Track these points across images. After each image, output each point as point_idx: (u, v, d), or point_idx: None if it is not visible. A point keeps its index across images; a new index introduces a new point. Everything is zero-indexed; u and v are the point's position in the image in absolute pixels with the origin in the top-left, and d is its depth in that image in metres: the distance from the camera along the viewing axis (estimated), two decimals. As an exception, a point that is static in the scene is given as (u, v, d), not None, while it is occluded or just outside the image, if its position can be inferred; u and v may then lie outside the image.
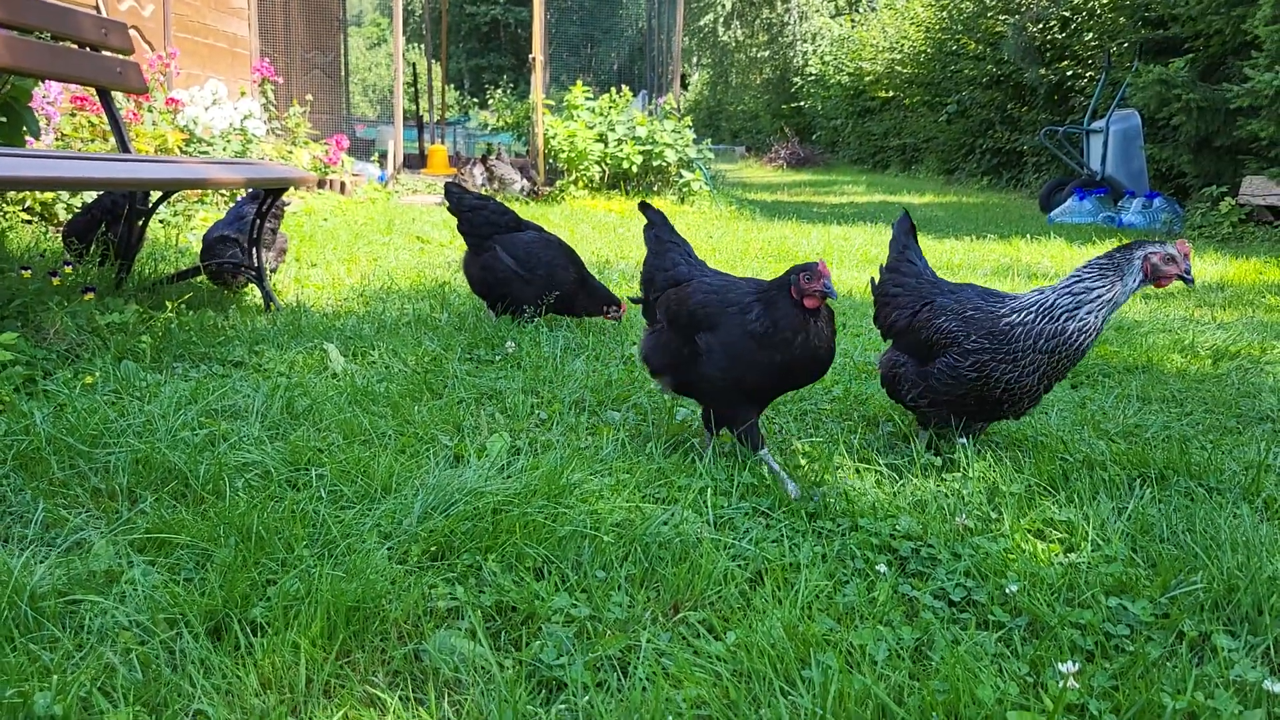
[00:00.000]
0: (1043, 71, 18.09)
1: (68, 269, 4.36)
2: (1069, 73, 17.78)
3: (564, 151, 12.67)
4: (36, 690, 1.64)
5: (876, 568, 2.29)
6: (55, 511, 2.45)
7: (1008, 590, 2.17)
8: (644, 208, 3.26)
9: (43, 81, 5.61)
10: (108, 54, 4.94)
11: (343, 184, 11.29)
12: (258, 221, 5.08)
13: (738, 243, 8.48)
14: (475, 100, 37.82)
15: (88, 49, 4.79)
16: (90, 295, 3.81)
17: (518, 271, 4.61)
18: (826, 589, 2.19)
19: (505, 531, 2.34)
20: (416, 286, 5.84)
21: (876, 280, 3.35)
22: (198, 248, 6.56)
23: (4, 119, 4.46)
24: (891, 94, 27.03)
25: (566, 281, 4.61)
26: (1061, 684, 1.71)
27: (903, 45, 26.21)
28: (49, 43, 4.49)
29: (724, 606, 2.13)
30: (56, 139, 6.89)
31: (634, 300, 3.16)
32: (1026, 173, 19.32)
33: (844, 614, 2.10)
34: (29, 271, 4.13)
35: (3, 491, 2.54)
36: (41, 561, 2.17)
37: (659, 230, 3.22)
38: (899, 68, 26.28)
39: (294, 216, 9.10)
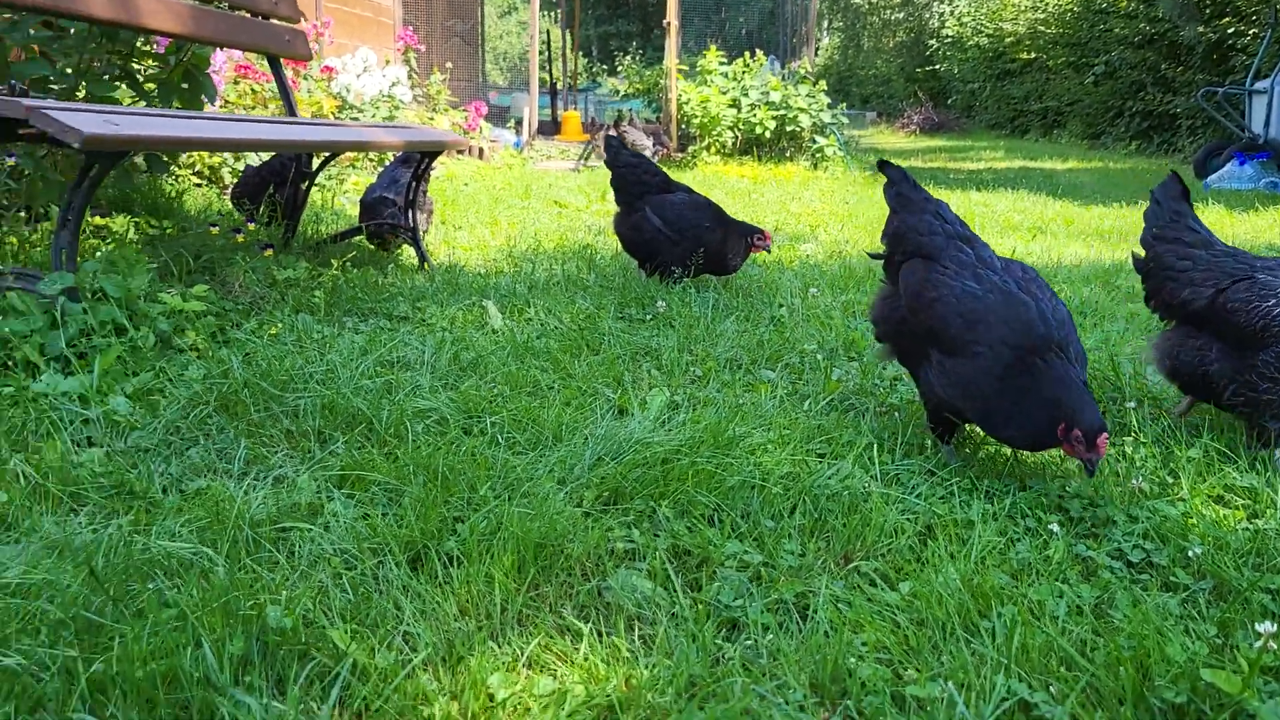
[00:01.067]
0: (1201, 29, 17.13)
1: (251, 226, 4.62)
2: (1230, 30, 16.78)
3: (696, 117, 12.65)
4: (268, 604, 1.79)
5: (1049, 527, 2.27)
6: (255, 449, 2.63)
7: (1190, 553, 2.13)
8: (883, 166, 2.93)
9: (213, 50, 5.90)
10: (277, 23, 5.17)
11: (481, 150, 11.55)
12: (413, 184, 5.26)
13: (874, 209, 8.36)
14: (604, 67, 37.97)
15: (260, 18, 5.03)
16: (269, 252, 4.03)
17: (666, 233, 4.66)
18: (999, 545, 2.19)
19: (675, 479, 2.41)
20: (561, 248, 5.97)
21: (1140, 254, 2.98)
22: (351, 211, 6.84)
23: (185, 85, 4.73)
24: (1034, 55, 25.98)
25: (714, 241, 4.64)
26: (1258, 644, 1.68)
27: (1047, 4, 25.14)
28: (226, 12, 4.74)
29: (895, 558, 2.15)
30: (221, 105, 7.26)
31: (873, 256, 3.02)
32: (1180, 137, 18.37)
33: (1019, 570, 2.10)
34: (216, 228, 4.40)
35: (208, 429, 2.74)
36: (254, 493, 2.34)
37: (901, 187, 2.85)
38: (1042, 28, 25.23)
39: (436, 181, 9.37)
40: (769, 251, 4.72)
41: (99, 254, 3.61)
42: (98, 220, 4.49)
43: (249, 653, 1.71)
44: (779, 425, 2.83)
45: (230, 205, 5.56)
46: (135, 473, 2.47)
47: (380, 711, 1.63)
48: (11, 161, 3.98)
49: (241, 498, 2.24)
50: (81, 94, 4.28)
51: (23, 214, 4.17)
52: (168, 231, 4.68)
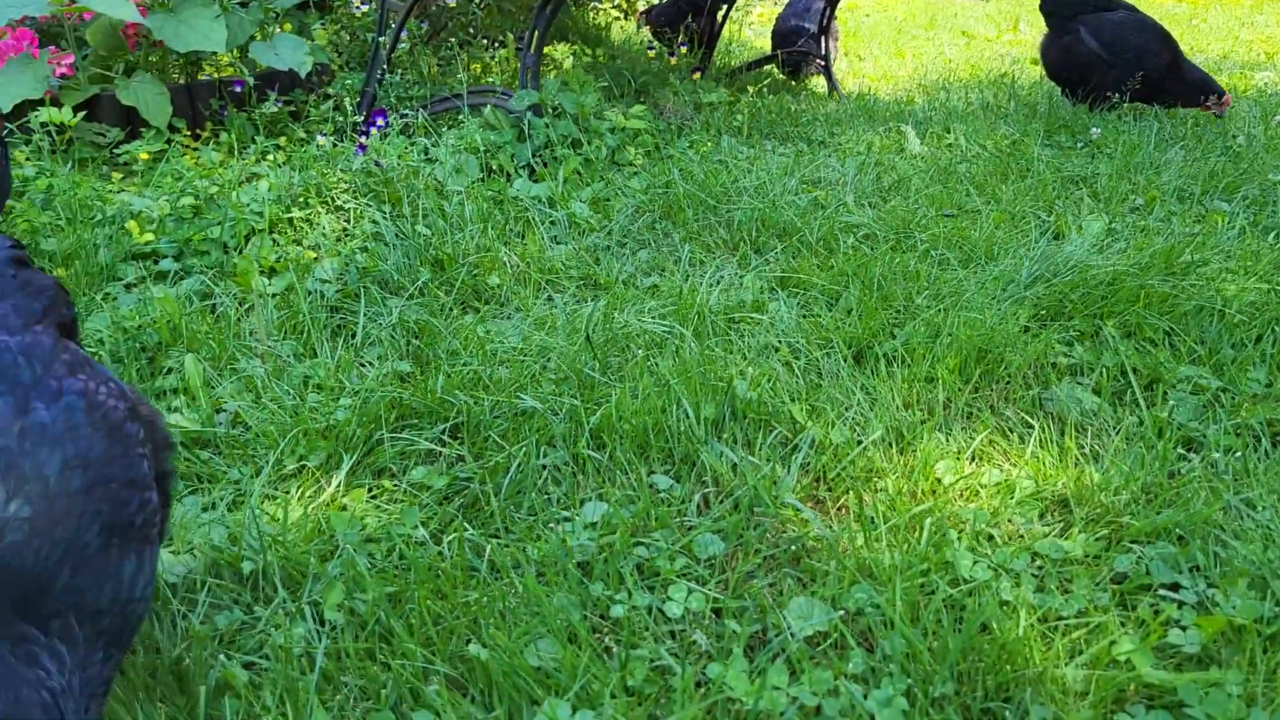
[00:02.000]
0: None
1: (683, 49, 4.84)
2: None
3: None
4: (735, 377, 1.99)
5: None
6: (697, 254, 2.86)
7: None
8: None
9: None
10: None
11: (881, -21, 11.07)
12: (827, 10, 5.21)
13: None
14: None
15: None
16: (698, 75, 4.22)
17: (1101, 55, 4.30)
18: None
19: (1122, 301, 2.33)
20: (975, 77, 5.69)
21: None
22: (756, 42, 6.90)
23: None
24: None
25: (1158, 67, 4.22)
26: None
27: None
28: None
29: (1385, 398, 1.96)
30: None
31: None
32: None
33: None
34: (653, 51, 4.66)
35: (654, 235, 3.00)
36: (702, 290, 2.56)
37: None
38: None
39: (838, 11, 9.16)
40: (1221, 117, 4.20)
41: (553, 75, 3.96)
42: (545, 48, 4.90)
43: (720, 417, 1.92)
44: (1241, 256, 2.61)
45: (649, 35, 5.82)
46: (599, 268, 2.78)
47: (838, 479, 1.79)
48: (481, -8, 4.44)
49: (701, 289, 2.46)
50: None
51: (484, 41, 4.65)
52: (599, 58, 5.02)
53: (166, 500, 1.33)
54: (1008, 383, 2.09)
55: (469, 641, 1.41)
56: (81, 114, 3.24)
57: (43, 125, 3.13)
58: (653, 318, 2.37)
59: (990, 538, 1.62)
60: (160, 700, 1.36)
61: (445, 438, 1.99)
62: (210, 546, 1.66)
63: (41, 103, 3.20)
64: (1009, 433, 1.92)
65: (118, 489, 1.14)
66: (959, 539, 1.59)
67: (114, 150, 3.34)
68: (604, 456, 1.86)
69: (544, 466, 1.85)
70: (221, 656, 1.45)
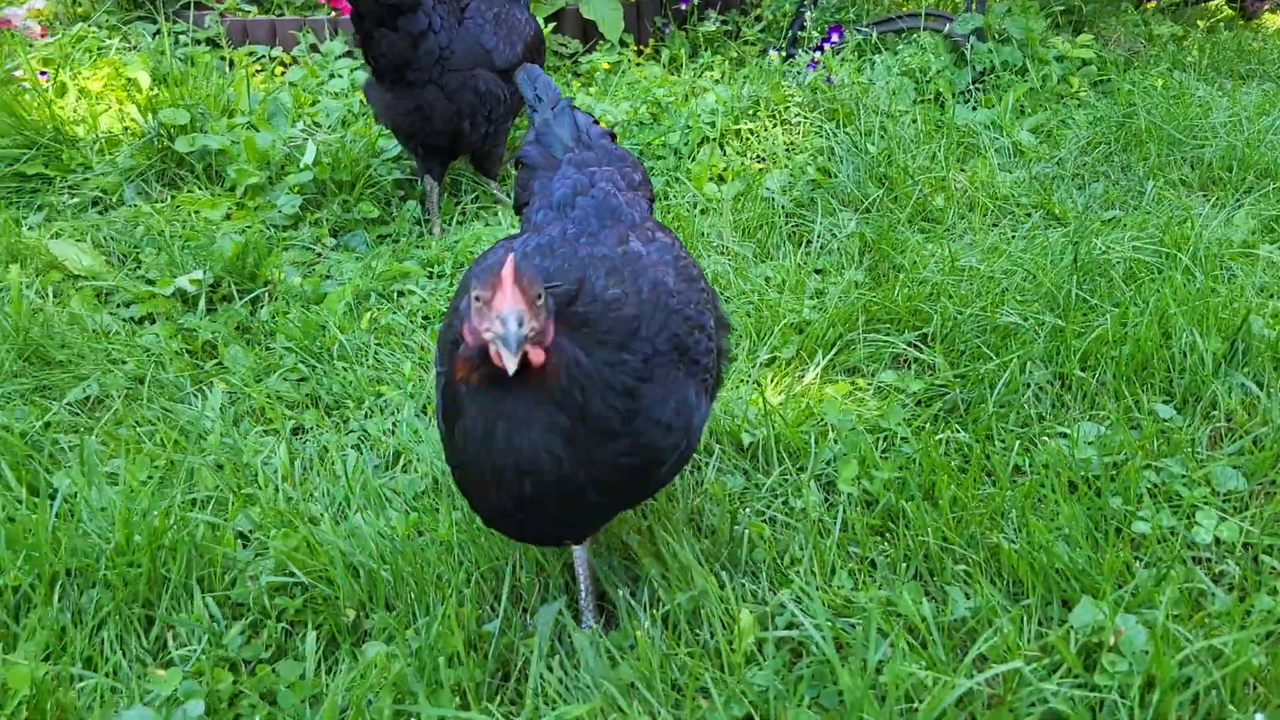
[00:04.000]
0: None
1: None
2: None
3: None
4: (1249, 313, 1.85)
5: None
6: (1161, 191, 2.66)
7: None
8: None
9: None
10: None
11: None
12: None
13: None
14: None
15: None
16: (1151, 4, 3.90)
17: None
18: None
19: None
20: None
21: None
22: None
23: None
24: None
25: None
26: None
27: None
28: None
29: None
30: None
31: None
32: None
33: None
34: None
35: (1112, 167, 2.83)
36: (1185, 224, 2.37)
37: None
38: None
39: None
40: None
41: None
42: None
43: (1230, 353, 1.80)
44: None
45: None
46: (1052, 198, 2.67)
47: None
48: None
49: (1197, 220, 2.30)
50: None
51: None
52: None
53: (719, 370, 1.44)
54: None
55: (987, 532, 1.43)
56: (551, 25, 3.52)
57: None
58: (1139, 246, 2.24)
59: None
60: (694, 538, 1.49)
61: (917, 343, 2.01)
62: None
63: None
64: None
65: (688, 324, 1.27)
66: None
67: (574, 60, 3.62)
68: (1093, 379, 1.80)
69: (1026, 384, 1.82)
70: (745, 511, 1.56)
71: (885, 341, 2.00)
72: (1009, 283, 2.16)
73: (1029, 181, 2.79)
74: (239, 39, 3.60)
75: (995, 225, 2.61)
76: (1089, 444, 1.62)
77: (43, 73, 3.01)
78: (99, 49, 3.27)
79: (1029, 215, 2.62)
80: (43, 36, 3.70)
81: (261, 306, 2.27)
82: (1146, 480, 1.53)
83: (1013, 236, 2.49)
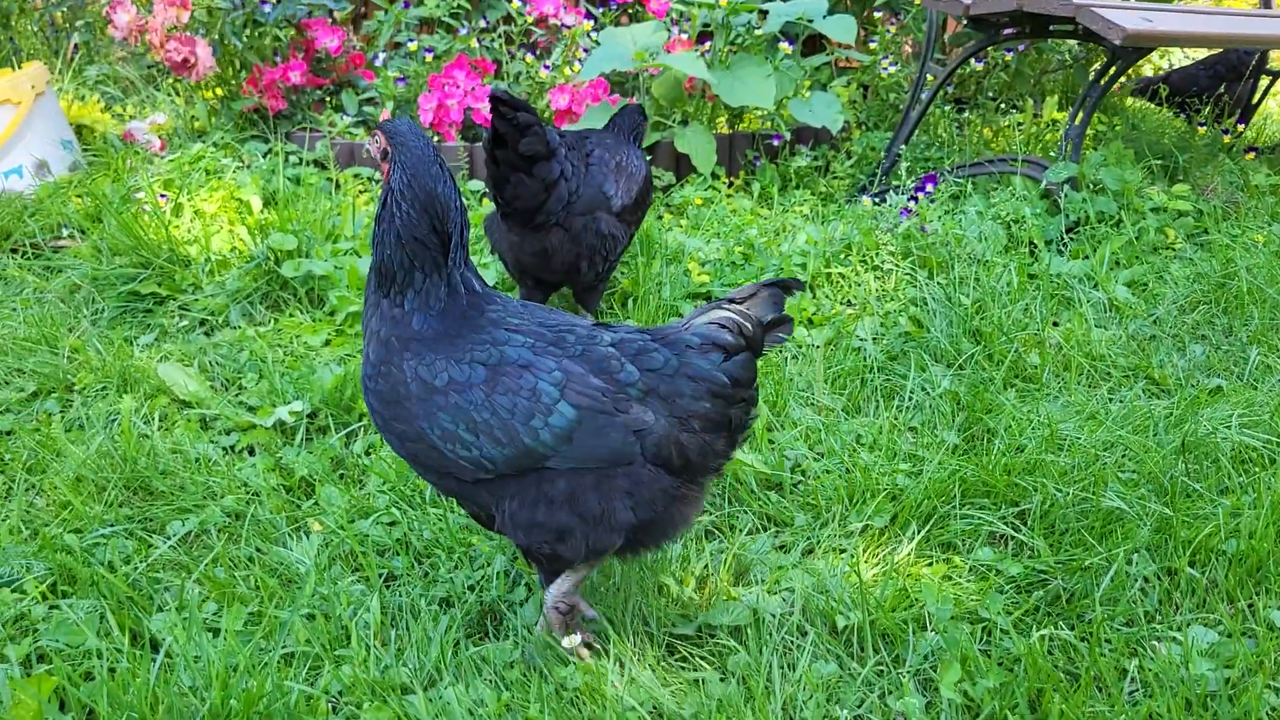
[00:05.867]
0: None
1: (1240, 126, 4.48)
2: None
3: None
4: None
5: None
6: (1266, 358, 2.60)
7: None
8: None
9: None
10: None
11: None
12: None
13: None
14: None
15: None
16: (1251, 155, 3.86)
17: None
18: None
19: None
20: None
21: None
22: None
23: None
24: None
25: None
26: None
27: None
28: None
29: None
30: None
31: None
32: None
33: None
34: (1204, 128, 4.36)
35: (1214, 330, 2.78)
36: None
37: None
38: None
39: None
40: None
41: (1094, 149, 3.81)
42: (1058, 115, 4.73)
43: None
44: None
45: (1168, 101, 5.40)
46: (1150, 360, 2.62)
47: None
48: (1009, 58, 4.37)
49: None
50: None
51: (997, 103, 4.58)
52: (1116, 127, 4.75)
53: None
54: None
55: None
56: (646, 158, 3.60)
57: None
58: (1237, 426, 2.18)
59: None
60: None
61: (1014, 521, 1.96)
62: (802, 592, 1.76)
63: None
64: None
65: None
66: None
67: (667, 191, 3.69)
68: (1204, 577, 1.74)
69: (1128, 575, 1.77)
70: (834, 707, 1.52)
71: (982, 519, 1.96)
72: (1110, 457, 2.11)
73: (1125, 340, 2.75)
74: (345, 161, 3.74)
75: (1092, 387, 2.57)
76: (1202, 654, 1.56)
77: (163, 195, 3.16)
78: (216, 170, 3.42)
79: (1127, 378, 2.57)
80: (162, 150, 3.90)
81: (356, 439, 2.31)
82: (1266, 704, 1.46)
83: (1110, 400, 2.45)
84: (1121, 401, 2.41)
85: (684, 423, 1.51)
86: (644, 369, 1.53)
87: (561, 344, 1.53)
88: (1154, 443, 2.13)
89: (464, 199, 1.69)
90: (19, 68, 4.53)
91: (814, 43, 4.67)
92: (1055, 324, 2.82)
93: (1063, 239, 3.29)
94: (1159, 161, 4.07)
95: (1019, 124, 4.57)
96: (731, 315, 1.56)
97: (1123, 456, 2.14)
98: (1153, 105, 5.49)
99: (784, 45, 3.85)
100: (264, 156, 3.74)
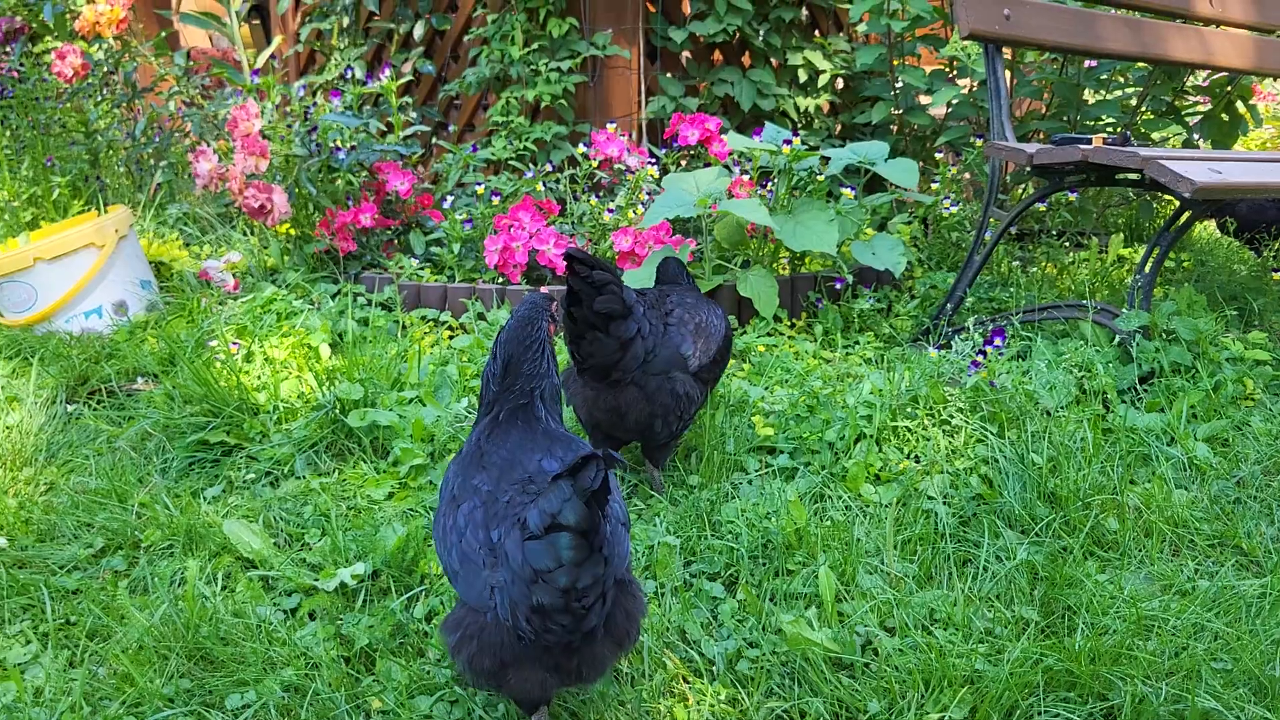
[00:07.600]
0: None
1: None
2: None
3: None
4: None
5: None
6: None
7: None
8: None
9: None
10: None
11: None
12: None
13: None
14: None
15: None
16: (1326, 300, 3.78)
17: None
18: None
19: None
20: None
21: None
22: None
23: (1225, 117, 4.65)
24: None
25: None
26: None
27: None
28: (1280, 40, 4.52)
29: None
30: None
31: None
32: None
33: None
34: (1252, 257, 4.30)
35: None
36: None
37: None
38: None
39: None
40: None
41: (1167, 297, 3.75)
42: (1124, 251, 4.69)
43: None
44: None
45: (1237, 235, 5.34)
46: (1238, 527, 2.51)
47: None
48: (1072, 197, 4.36)
49: None
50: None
51: (1060, 240, 4.55)
52: (1185, 264, 4.70)
53: None
54: None
55: None
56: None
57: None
58: (1334, 612, 2.07)
59: None
60: None
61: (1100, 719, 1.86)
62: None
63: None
64: None
65: None
66: None
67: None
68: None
69: (1231, 786, 1.66)
70: None
71: (1068, 717, 1.86)
72: (1200, 644, 2.01)
73: (1208, 504, 2.65)
74: (412, 303, 3.81)
75: (1175, 555, 2.46)
76: None
77: (235, 342, 3.23)
78: (287, 314, 3.49)
79: (1212, 547, 2.47)
80: (236, 288, 4.00)
81: (417, 603, 2.28)
82: None
83: (1196, 573, 2.34)
84: (1210, 577, 2.30)
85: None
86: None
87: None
88: (1246, 629, 2.03)
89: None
90: (104, 206, 4.72)
91: (875, 180, 4.71)
92: (1132, 481, 2.73)
93: (1136, 391, 3.21)
94: (1233, 308, 3.99)
95: (1084, 259, 4.53)
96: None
97: (1214, 642, 2.03)
98: (1220, 235, 5.43)
99: (846, 191, 3.88)
100: (333, 298, 3.82)
